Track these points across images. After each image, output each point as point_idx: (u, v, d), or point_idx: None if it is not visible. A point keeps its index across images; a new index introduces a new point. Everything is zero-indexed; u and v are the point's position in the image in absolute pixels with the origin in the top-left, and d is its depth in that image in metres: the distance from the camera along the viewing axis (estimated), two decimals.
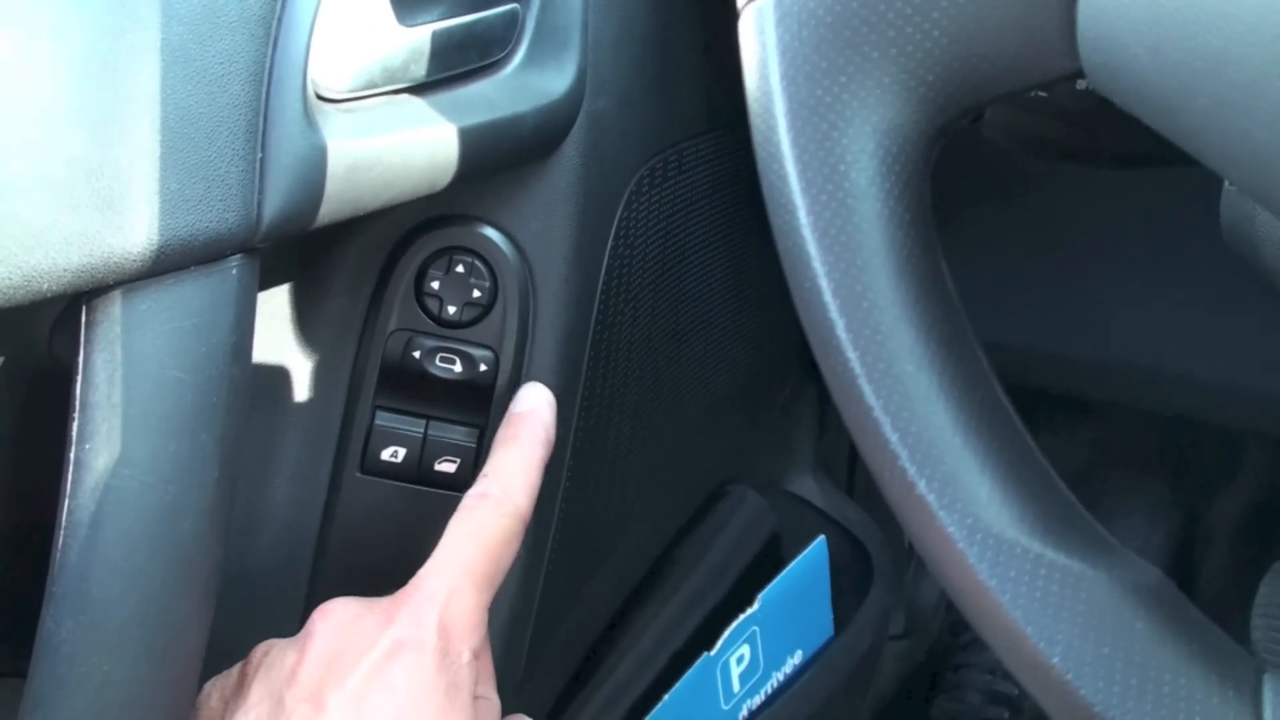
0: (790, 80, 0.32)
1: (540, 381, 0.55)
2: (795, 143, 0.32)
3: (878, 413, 0.31)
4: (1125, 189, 0.64)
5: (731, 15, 0.68)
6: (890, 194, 0.31)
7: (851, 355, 0.31)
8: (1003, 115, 0.42)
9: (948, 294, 0.32)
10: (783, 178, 0.32)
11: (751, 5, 0.32)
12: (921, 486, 0.31)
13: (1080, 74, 0.30)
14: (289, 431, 0.54)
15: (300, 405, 0.54)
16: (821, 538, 0.80)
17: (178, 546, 0.41)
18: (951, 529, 0.31)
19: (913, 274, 0.31)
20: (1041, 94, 0.39)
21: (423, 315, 0.54)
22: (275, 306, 0.53)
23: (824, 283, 0.32)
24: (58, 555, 0.40)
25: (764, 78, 0.32)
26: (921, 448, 0.31)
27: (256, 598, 0.54)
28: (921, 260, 0.32)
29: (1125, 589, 0.31)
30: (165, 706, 0.42)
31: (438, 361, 0.54)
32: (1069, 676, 0.30)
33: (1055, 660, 0.30)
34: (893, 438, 0.31)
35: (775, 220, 0.33)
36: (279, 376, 0.54)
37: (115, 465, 0.39)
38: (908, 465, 0.31)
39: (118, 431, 0.40)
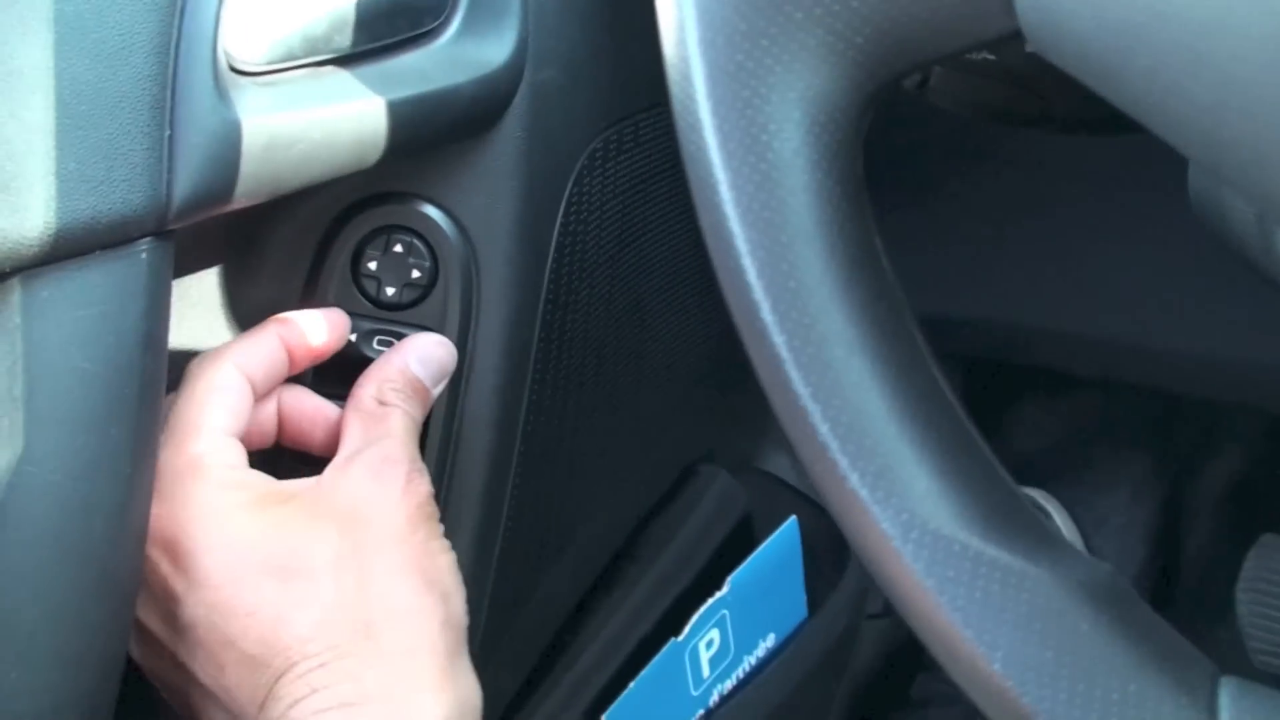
0: (709, 44, 0.29)
1: (487, 365, 0.53)
2: (715, 112, 0.30)
3: (806, 401, 0.29)
4: (1097, 157, 0.61)
5: None
6: (818, 166, 0.29)
7: (778, 340, 0.29)
8: (950, 80, 0.39)
9: (882, 272, 0.30)
10: (702, 149, 0.30)
11: None
12: (854, 480, 0.29)
13: (1018, 34, 0.28)
14: None
15: None
16: (793, 518, 0.78)
17: (89, 547, 0.39)
18: (886, 525, 0.29)
19: (844, 251, 0.29)
20: (989, 56, 0.37)
21: (360, 297, 0.51)
22: (204, 291, 0.51)
23: (747, 262, 0.29)
24: None
25: (681, 42, 0.30)
26: (854, 438, 0.29)
27: None
28: (853, 236, 0.30)
29: (1071, 588, 0.29)
30: (82, 714, 0.40)
31: (375, 344, 0.52)
32: (1010, 683, 0.28)
33: (996, 666, 0.28)
34: (822, 428, 0.29)
35: (696, 195, 0.31)
36: None
37: (17, 463, 0.37)
38: (839, 457, 0.29)
39: (19, 426, 0.38)
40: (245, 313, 0.51)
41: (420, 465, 0.47)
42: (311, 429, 0.49)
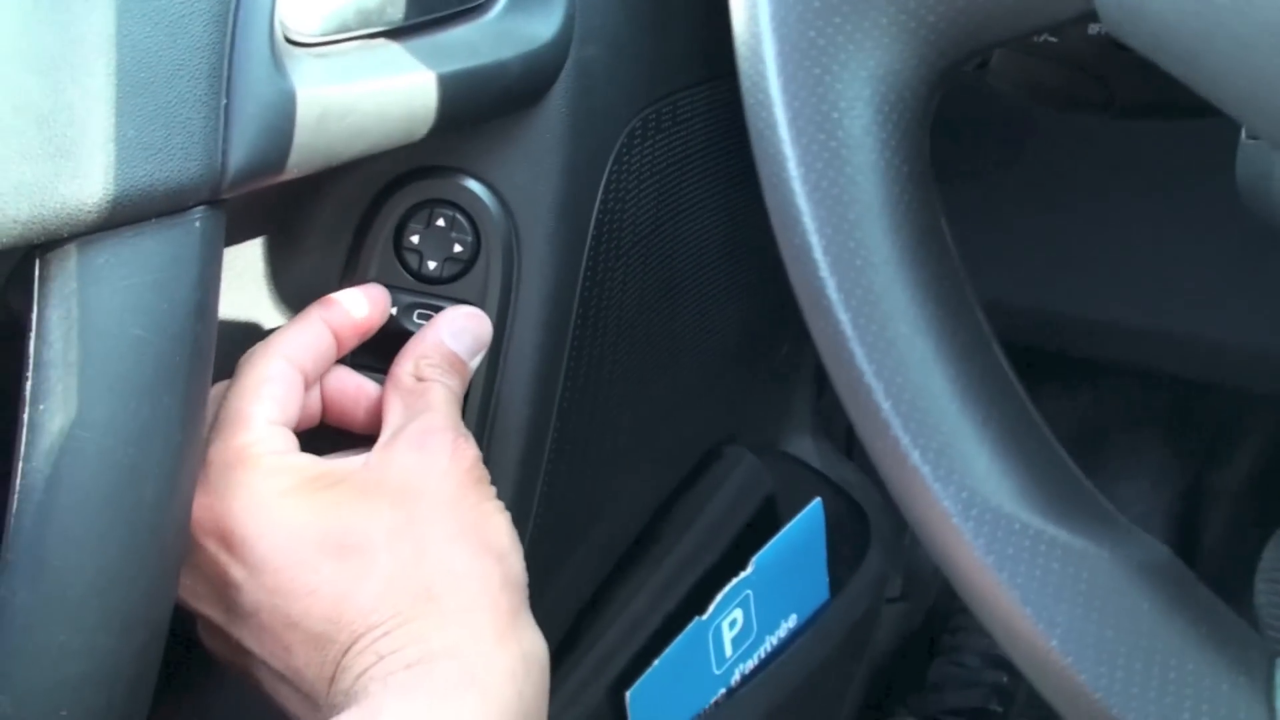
0: (781, 21, 0.29)
1: (525, 340, 0.53)
2: (785, 89, 0.30)
3: (869, 378, 0.29)
4: (1132, 144, 0.61)
5: None
6: (887, 144, 0.29)
7: (843, 317, 0.30)
8: (1010, 62, 0.39)
9: (947, 252, 0.30)
10: (771, 126, 0.30)
11: None
12: (915, 457, 0.29)
13: (1092, 15, 0.28)
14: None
15: None
16: (817, 500, 0.78)
17: (139, 513, 0.39)
18: (947, 503, 0.29)
19: (909, 231, 0.29)
20: (1051, 39, 0.37)
21: (402, 270, 0.52)
22: (247, 262, 0.51)
23: (814, 239, 0.30)
24: (11, 521, 0.38)
25: (753, 18, 0.30)
26: (916, 416, 0.29)
27: None
28: (919, 216, 0.30)
29: (1130, 568, 0.29)
30: (127, 678, 0.40)
31: (414, 318, 0.52)
32: (1069, 661, 0.28)
33: (1054, 643, 0.28)
34: (885, 405, 0.29)
35: (763, 171, 0.31)
36: (252, 335, 0.52)
37: (71, 427, 0.38)
38: (901, 434, 0.29)
39: (74, 392, 0.38)
40: (289, 284, 0.52)
41: (465, 431, 0.47)
42: (354, 408, 0.49)
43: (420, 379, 0.48)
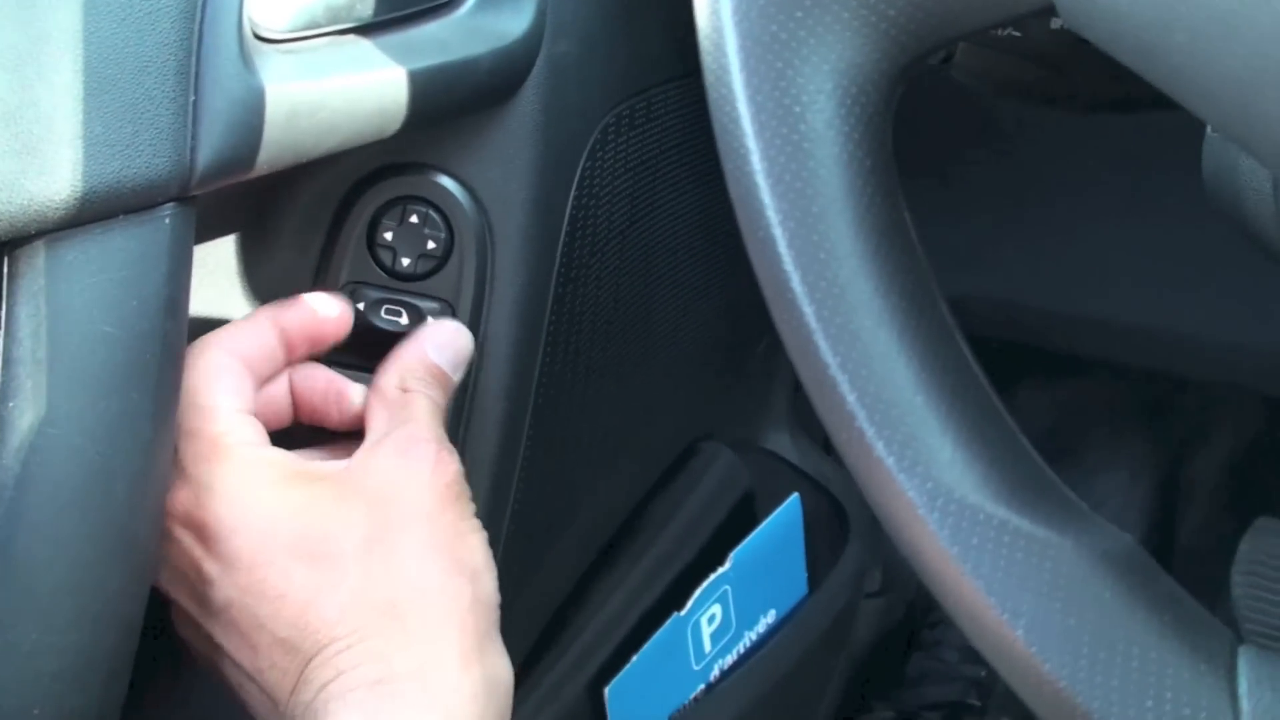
0: (743, 15, 0.30)
1: (500, 336, 0.53)
2: (748, 83, 0.30)
3: (834, 370, 0.30)
4: (1105, 138, 0.62)
5: None
6: (850, 137, 0.29)
7: (807, 309, 0.30)
8: (974, 57, 0.40)
9: (910, 244, 0.30)
10: (735, 120, 0.30)
11: None
12: (880, 448, 0.29)
13: (1051, 10, 0.28)
14: None
15: None
16: (795, 495, 0.79)
17: (110, 510, 0.39)
18: (911, 493, 0.29)
19: (873, 223, 0.30)
20: (1014, 33, 0.37)
21: (375, 267, 0.52)
22: (220, 259, 0.51)
23: (778, 232, 0.30)
24: None
25: (715, 13, 0.30)
26: (880, 407, 0.29)
27: None
28: (883, 208, 0.30)
29: (1094, 557, 0.29)
30: (101, 675, 0.40)
31: (383, 314, 0.52)
32: (1033, 650, 0.28)
33: (1019, 633, 0.28)
34: (850, 397, 0.30)
35: (727, 165, 0.31)
36: None
37: (41, 424, 0.38)
38: (866, 426, 0.29)
39: (43, 389, 0.38)
40: (262, 280, 0.52)
41: (449, 445, 0.47)
42: (325, 405, 0.49)
43: (405, 389, 0.48)
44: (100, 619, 0.40)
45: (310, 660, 0.42)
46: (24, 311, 0.37)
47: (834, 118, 0.29)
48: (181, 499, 0.43)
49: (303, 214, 0.51)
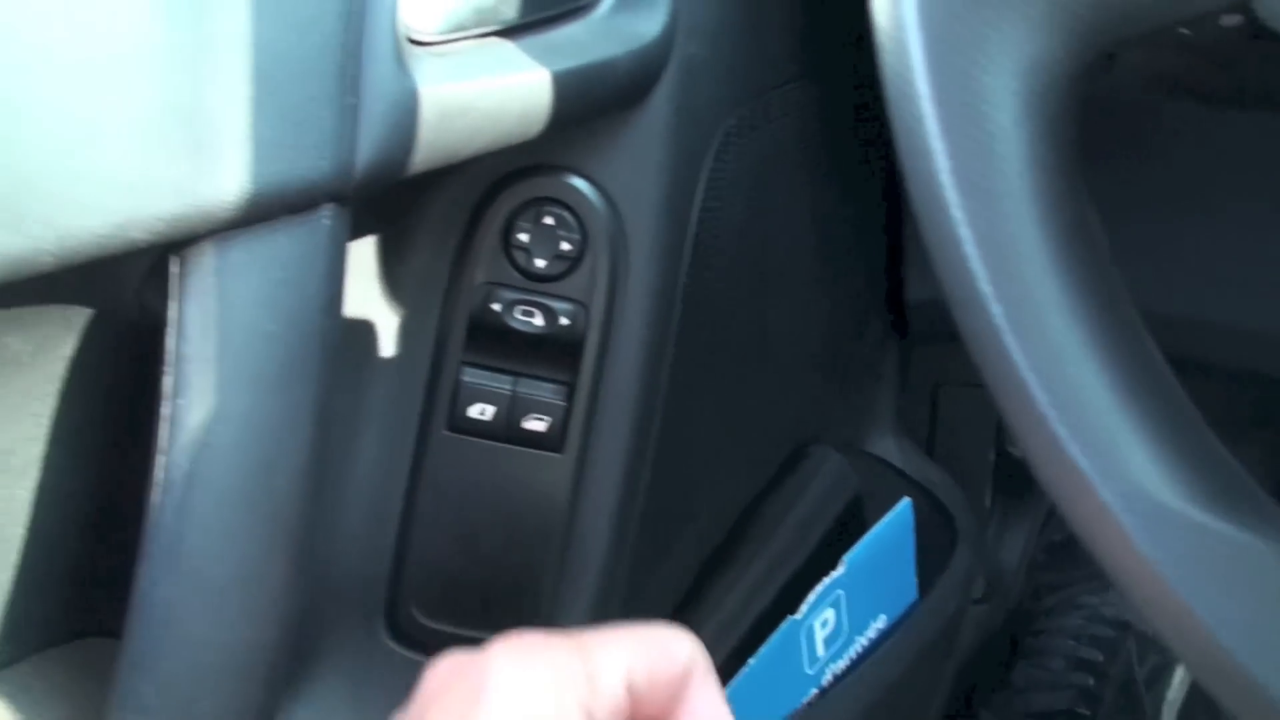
0: (928, 15, 0.29)
1: (631, 338, 0.53)
2: (934, 82, 0.30)
3: (1024, 371, 0.29)
4: (1244, 141, 0.60)
5: None
6: (1036, 136, 0.29)
7: (995, 309, 0.29)
8: (1139, 54, 0.39)
9: (1097, 243, 0.30)
10: (919, 119, 0.30)
11: None
12: (1074, 451, 0.29)
13: (1244, 6, 0.28)
14: (374, 388, 0.52)
15: (385, 362, 0.53)
16: (907, 500, 0.78)
17: (273, 505, 0.40)
18: (1108, 497, 0.29)
19: (1061, 222, 0.29)
20: (1184, 31, 0.37)
21: (510, 268, 0.52)
22: (359, 260, 0.52)
23: (964, 231, 0.30)
24: (153, 513, 0.39)
25: (898, 13, 0.30)
26: (1073, 409, 0.29)
27: (342, 556, 0.53)
28: (1069, 207, 0.30)
29: None
30: (262, 669, 0.41)
31: (517, 314, 0.52)
32: (1243, 660, 0.28)
33: (1227, 642, 0.28)
34: (1041, 398, 0.29)
35: (909, 164, 0.31)
36: (363, 332, 0.53)
37: (210, 421, 0.38)
38: (1058, 428, 0.29)
39: (212, 386, 0.38)
40: (398, 280, 0.52)
41: None
42: None
43: None
44: (264, 613, 0.41)
45: None
46: (193, 310, 0.38)
47: (1021, 116, 0.29)
48: None
49: (440, 216, 0.52)
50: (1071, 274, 0.29)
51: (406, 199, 0.51)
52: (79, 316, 0.40)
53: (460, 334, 0.52)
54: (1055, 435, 0.29)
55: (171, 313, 0.38)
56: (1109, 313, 0.30)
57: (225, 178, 0.37)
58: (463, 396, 0.52)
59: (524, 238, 0.52)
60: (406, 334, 0.53)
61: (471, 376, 0.53)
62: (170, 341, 0.38)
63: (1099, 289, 0.30)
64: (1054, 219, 0.29)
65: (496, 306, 0.52)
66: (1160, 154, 0.63)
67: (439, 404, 0.53)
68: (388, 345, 0.53)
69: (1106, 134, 0.64)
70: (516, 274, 0.52)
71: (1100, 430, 0.29)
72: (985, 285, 0.30)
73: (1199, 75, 0.37)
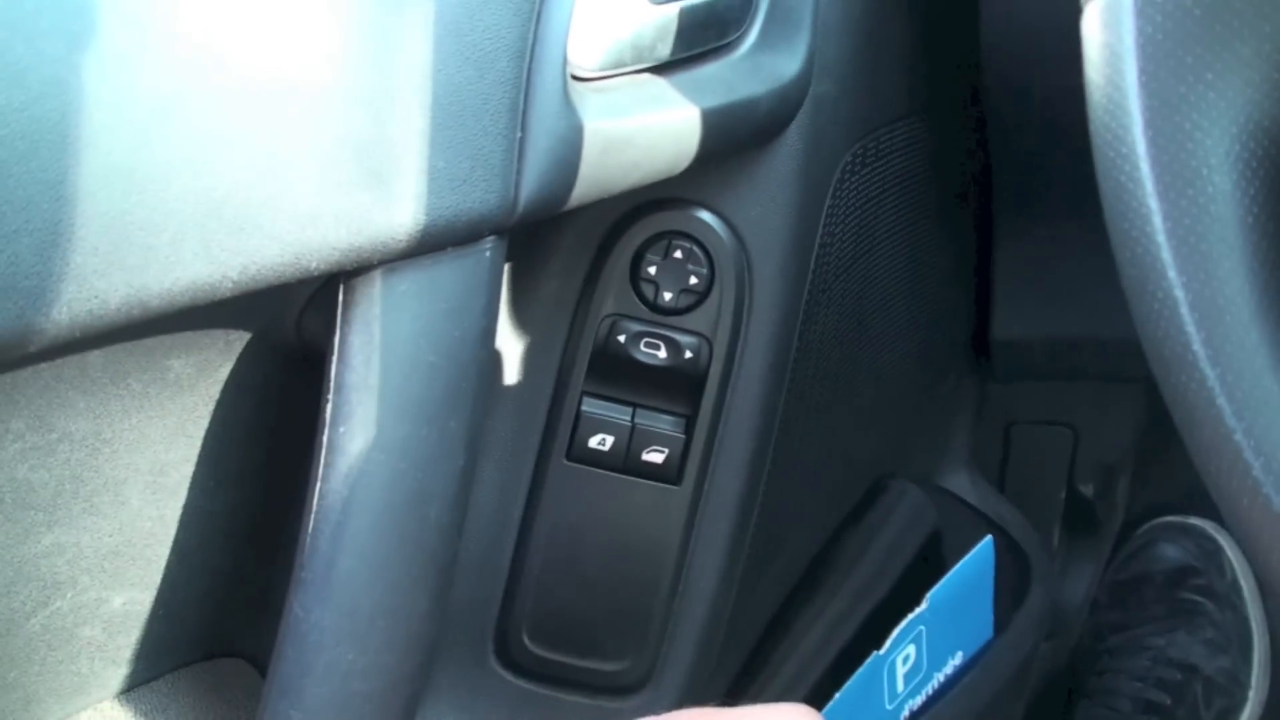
0: (1150, 76, 0.29)
1: (752, 373, 0.53)
2: (1153, 142, 0.30)
3: (1239, 436, 0.29)
4: None
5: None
6: (1256, 201, 0.29)
7: (1209, 373, 0.29)
8: None
9: None
10: (1136, 180, 0.30)
11: None
12: None
13: None
14: (496, 415, 0.52)
15: (509, 389, 0.53)
16: (989, 538, 0.78)
17: (424, 535, 0.40)
18: None
19: (1277, 288, 0.29)
20: None
21: (637, 300, 0.52)
22: None
23: (1180, 294, 0.29)
24: (307, 539, 0.39)
25: (1117, 72, 0.30)
26: None
27: (457, 581, 0.53)
28: None
29: None
30: (404, 698, 0.41)
31: (642, 347, 0.52)
32: None
33: None
34: (1255, 463, 0.29)
35: (1121, 224, 0.31)
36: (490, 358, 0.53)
37: (369, 449, 0.39)
38: (1273, 495, 0.29)
39: (372, 415, 0.39)
40: (527, 310, 0.52)
41: None
42: None
43: None
44: (409, 642, 0.41)
45: None
46: (358, 339, 0.38)
47: (1240, 179, 0.29)
48: None
49: (570, 246, 0.52)
50: None
51: (538, 228, 0.51)
52: (239, 340, 0.41)
53: (583, 364, 0.52)
54: (1270, 500, 0.29)
55: (335, 341, 0.38)
56: None
57: (400, 210, 0.37)
58: (583, 426, 0.52)
59: (652, 271, 0.52)
60: (530, 362, 0.53)
61: (591, 407, 0.53)
62: (332, 369, 0.38)
63: None
64: (1272, 285, 0.29)
65: (621, 338, 0.52)
66: None
67: (559, 433, 0.53)
68: (511, 372, 0.53)
69: None
70: (643, 307, 0.52)
71: None
72: (1199, 346, 0.30)
73: None
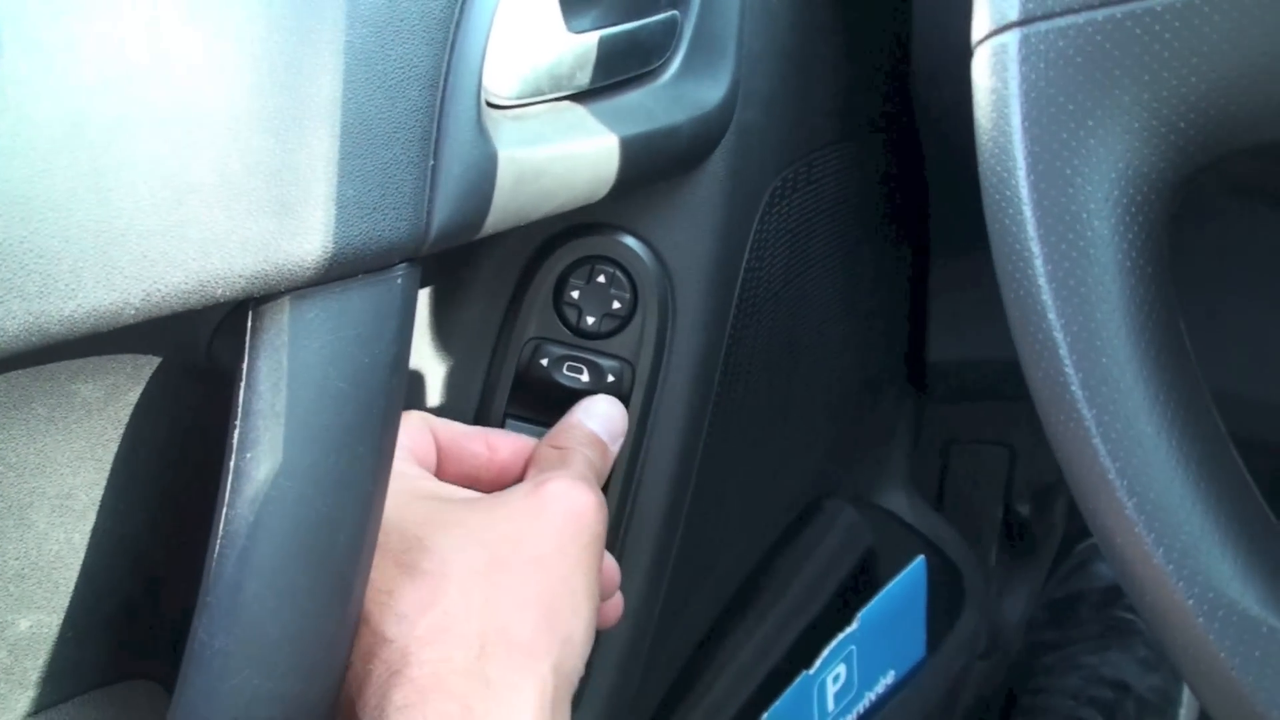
0: (1033, 122, 0.30)
1: (675, 396, 0.54)
2: (1035, 186, 0.30)
3: (1113, 476, 0.30)
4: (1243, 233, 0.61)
5: (874, 25, 0.66)
6: (1134, 245, 0.30)
7: (1086, 413, 0.30)
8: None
9: (1186, 352, 0.31)
10: (1019, 223, 0.31)
11: (991, 41, 0.31)
12: (1159, 557, 0.30)
13: None
14: None
15: (432, 411, 0.53)
16: (921, 558, 0.79)
17: (331, 561, 0.40)
18: (1191, 603, 0.29)
19: (1153, 331, 0.30)
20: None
21: (560, 325, 0.52)
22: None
23: (1059, 336, 0.30)
24: (212, 565, 0.39)
25: (1003, 118, 0.31)
26: (1160, 515, 0.30)
27: None
28: (1161, 316, 0.30)
29: None
30: None
31: (565, 370, 0.53)
32: None
33: None
34: (1129, 503, 0.30)
35: (1005, 267, 0.31)
36: (412, 382, 0.53)
37: (275, 476, 0.38)
38: (1145, 533, 0.30)
39: (279, 441, 0.39)
40: (451, 333, 0.53)
41: (596, 497, 0.45)
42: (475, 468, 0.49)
43: (562, 448, 0.48)
44: (315, 668, 0.41)
45: (392, 668, 0.41)
46: (266, 365, 0.38)
47: (1119, 224, 0.30)
48: None
49: (493, 271, 0.52)
50: (1162, 383, 0.30)
51: (460, 253, 0.51)
52: (148, 365, 0.40)
53: (507, 387, 0.53)
54: (1141, 539, 0.30)
55: (243, 366, 0.38)
56: (1197, 422, 0.30)
57: (309, 237, 0.37)
58: None
59: (575, 295, 0.52)
60: (454, 385, 0.53)
61: (515, 429, 0.53)
62: (240, 395, 0.38)
63: (1188, 399, 0.30)
64: (1147, 328, 0.30)
65: (544, 361, 0.52)
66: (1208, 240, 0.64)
67: None
68: (434, 395, 0.53)
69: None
70: (566, 330, 0.52)
71: (1185, 537, 0.30)
72: (1078, 388, 0.30)
73: (1276, 181, 0.38)
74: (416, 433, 0.48)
